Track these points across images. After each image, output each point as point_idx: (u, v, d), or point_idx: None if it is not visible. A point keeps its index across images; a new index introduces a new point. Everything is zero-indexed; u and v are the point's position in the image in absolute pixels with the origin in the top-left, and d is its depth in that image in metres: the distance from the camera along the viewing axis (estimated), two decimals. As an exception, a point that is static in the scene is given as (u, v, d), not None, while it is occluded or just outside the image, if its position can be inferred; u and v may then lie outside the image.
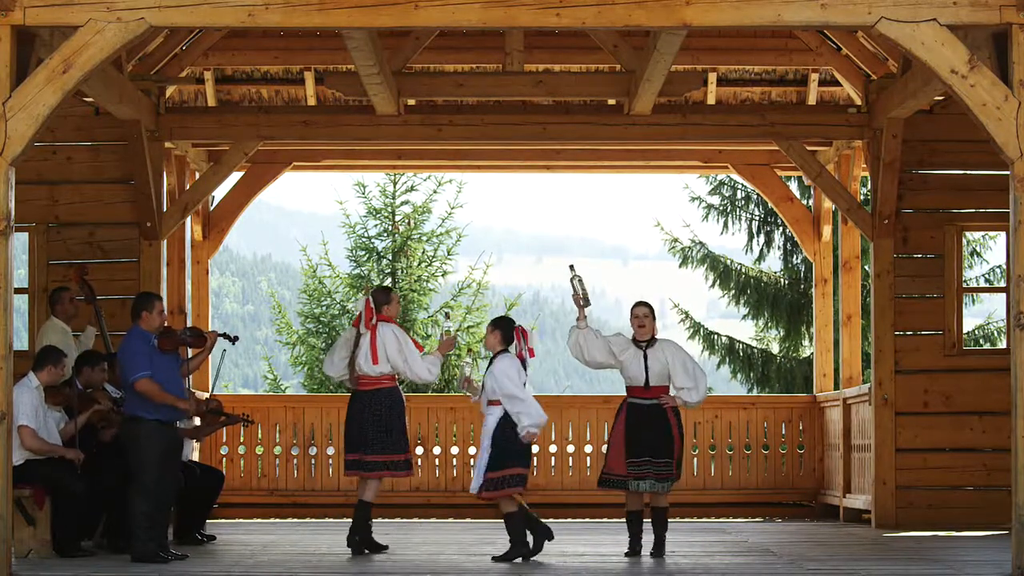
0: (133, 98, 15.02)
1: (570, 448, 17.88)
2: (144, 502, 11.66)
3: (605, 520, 17.33)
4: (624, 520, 12.52)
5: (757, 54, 16.30)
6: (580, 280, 12.41)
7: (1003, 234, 18.00)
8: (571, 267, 12.59)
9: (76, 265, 15.19)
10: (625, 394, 12.47)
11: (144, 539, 11.65)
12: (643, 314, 12.37)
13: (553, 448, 17.81)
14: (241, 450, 17.92)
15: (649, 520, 12.39)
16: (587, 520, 17.39)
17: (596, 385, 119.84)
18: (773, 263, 25.05)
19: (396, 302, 12.84)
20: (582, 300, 12.35)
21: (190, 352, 12.29)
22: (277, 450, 17.79)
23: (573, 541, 14.07)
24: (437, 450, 17.80)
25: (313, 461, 17.73)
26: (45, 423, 12.39)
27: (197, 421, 14.26)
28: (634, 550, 12.37)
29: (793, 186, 21.87)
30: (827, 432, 17.72)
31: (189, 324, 16.94)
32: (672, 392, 12.34)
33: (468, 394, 12.55)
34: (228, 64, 16.56)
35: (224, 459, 17.65)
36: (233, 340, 12.43)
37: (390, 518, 17.16)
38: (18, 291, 14.22)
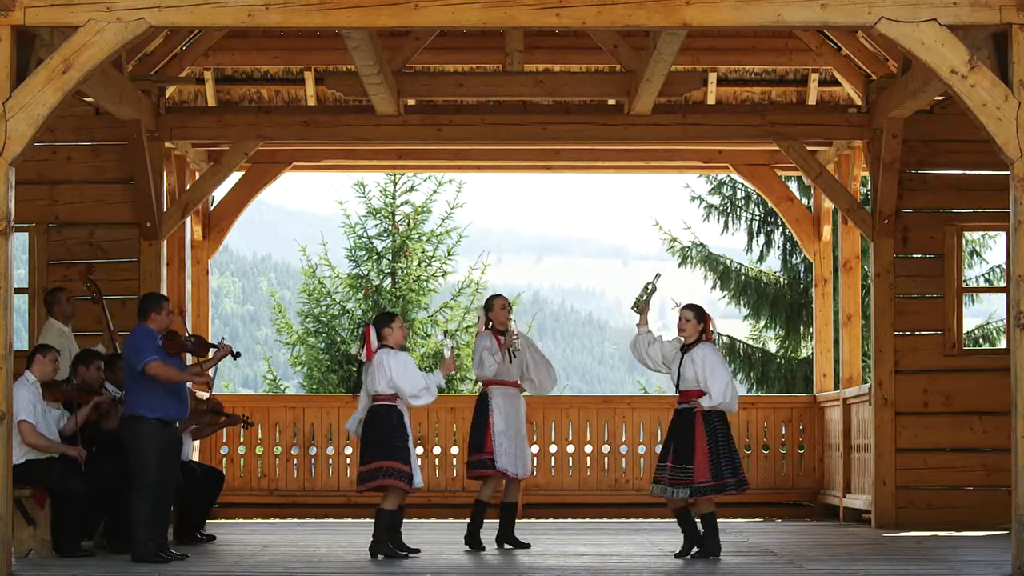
0: (133, 98, 15.02)
1: (570, 448, 17.88)
2: (144, 502, 11.66)
3: (605, 520, 17.34)
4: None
5: (757, 54, 16.30)
6: (649, 288, 12.36)
7: (1003, 234, 17.99)
8: (657, 275, 12.56)
9: (81, 265, 15.19)
10: None
11: (144, 539, 11.66)
12: (684, 317, 12.27)
13: (553, 448, 17.80)
14: (241, 450, 17.92)
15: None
16: (587, 520, 17.39)
17: (596, 385, 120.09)
18: (773, 263, 25.06)
19: (400, 327, 12.64)
20: (643, 304, 12.31)
21: (190, 359, 12.27)
22: (277, 450, 17.79)
23: (573, 541, 14.08)
24: (437, 450, 17.80)
25: (313, 461, 17.73)
26: (44, 420, 12.39)
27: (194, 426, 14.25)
28: (685, 550, 12.28)
29: (793, 186, 21.87)
30: (827, 432, 17.72)
31: (189, 324, 16.94)
32: None
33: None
34: (228, 64, 16.56)
35: (224, 459, 17.65)
36: (236, 356, 12.40)
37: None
38: (18, 291, 14.22)
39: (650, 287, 12.38)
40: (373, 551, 12.31)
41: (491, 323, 13.34)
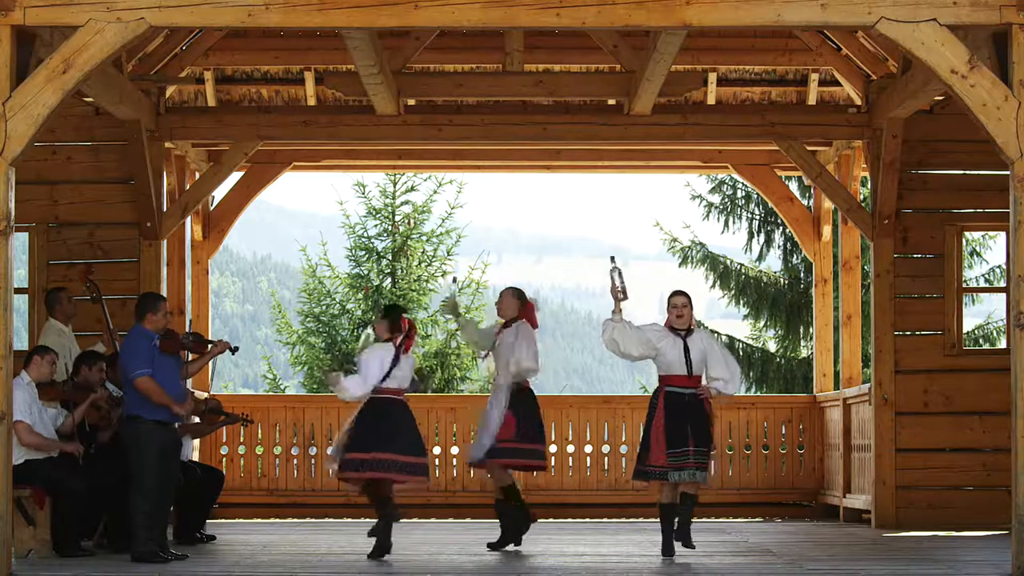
0: (133, 98, 15.02)
1: (570, 448, 17.87)
2: (144, 502, 11.66)
3: (605, 520, 17.34)
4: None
5: (757, 54, 16.30)
6: (620, 273, 12.30)
7: (1003, 234, 18.00)
8: (612, 259, 12.47)
9: (81, 265, 15.19)
10: (658, 384, 12.33)
11: (144, 539, 11.66)
12: (681, 303, 12.25)
13: (553, 448, 17.79)
14: (241, 450, 17.92)
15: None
16: (587, 520, 17.39)
17: (596, 385, 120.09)
18: (773, 263, 25.07)
19: (377, 323, 12.86)
20: (620, 293, 12.24)
21: (190, 356, 12.28)
22: (277, 450, 17.79)
23: (573, 541, 14.07)
24: (437, 450, 17.80)
25: (313, 461, 17.73)
26: (41, 419, 12.38)
27: (196, 420, 14.26)
28: (667, 550, 12.26)
29: (793, 186, 21.87)
30: (827, 432, 17.72)
31: (189, 324, 16.94)
32: (704, 382, 12.30)
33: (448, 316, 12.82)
34: (228, 64, 16.55)
35: (224, 459, 17.65)
36: (234, 351, 12.42)
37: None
38: (18, 291, 14.21)
39: (616, 271, 12.31)
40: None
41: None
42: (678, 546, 12.36)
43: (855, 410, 16.69)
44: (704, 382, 12.25)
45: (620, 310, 12.26)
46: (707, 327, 12.68)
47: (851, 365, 17.37)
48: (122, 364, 11.91)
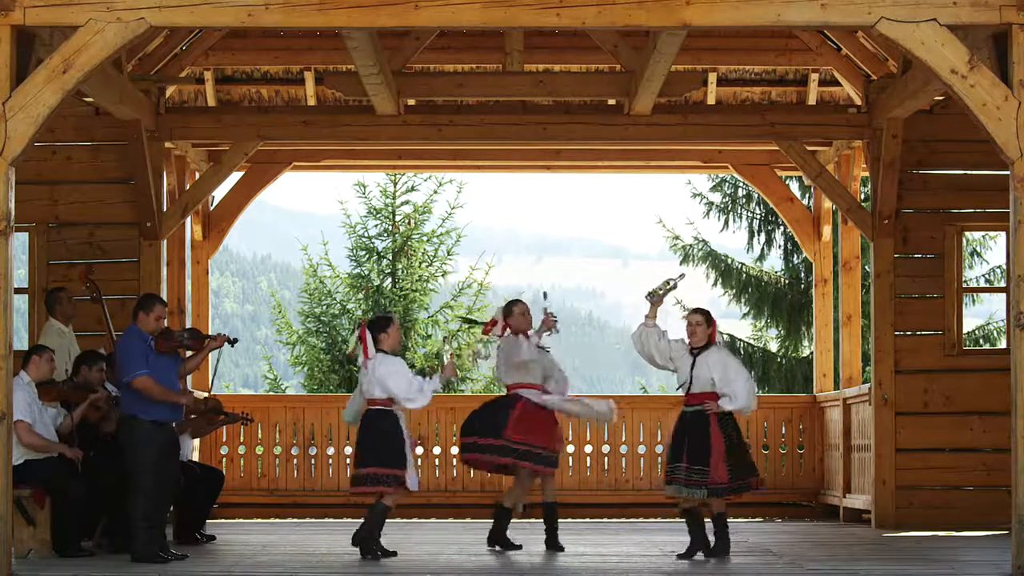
0: (133, 98, 15.02)
1: (570, 448, 17.87)
2: (143, 503, 11.65)
3: (605, 520, 17.33)
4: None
5: (757, 54, 16.30)
6: (670, 287, 12.30)
7: (1003, 234, 18.00)
8: (682, 275, 12.46)
9: (81, 265, 15.19)
10: None
11: (144, 539, 11.65)
12: (695, 321, 12.27)
13: (553, 448, 17.78)
14: (241, 450, 17.92)
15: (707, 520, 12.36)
16: (587, 520, 17.38)
17: (596, 386, 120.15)
18: (774, 262, 25.08)
19: (396, 331, 12.69)
20: (656, 299, 12.23)
21: (188, 353, 12.28)
22: (277, 450, 17.79)
23: (573, 541, 14.07)
24: (437, 450, 17.80)
25: (313, 461, 17.73)
26: (41, 419, 12.38)
27: (193, 416, 14.25)
28: (690, 550, 12.22)
29: (793, 186, 21.87)
30: (827, 432, 17.72)
31: (188, 324, 16.93)
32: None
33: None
34: (228, 64, 16.55)
35: (224, 459, 17.65)
36: (232, 343, 12.41)
37: (390, 518, 17.10)
38: (18, 291, 14.21)
39: (671, 283, 12.34)
40: (358, 540, 12.26)
41: (508, 329, 13.24)
42: (670, 549, 12.41)
43: (855, 410, 16.69)
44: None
45: (654, 315, 12.32)
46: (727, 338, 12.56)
47: (851, 365, 17.37)
48: (117, 366, 11.91)
